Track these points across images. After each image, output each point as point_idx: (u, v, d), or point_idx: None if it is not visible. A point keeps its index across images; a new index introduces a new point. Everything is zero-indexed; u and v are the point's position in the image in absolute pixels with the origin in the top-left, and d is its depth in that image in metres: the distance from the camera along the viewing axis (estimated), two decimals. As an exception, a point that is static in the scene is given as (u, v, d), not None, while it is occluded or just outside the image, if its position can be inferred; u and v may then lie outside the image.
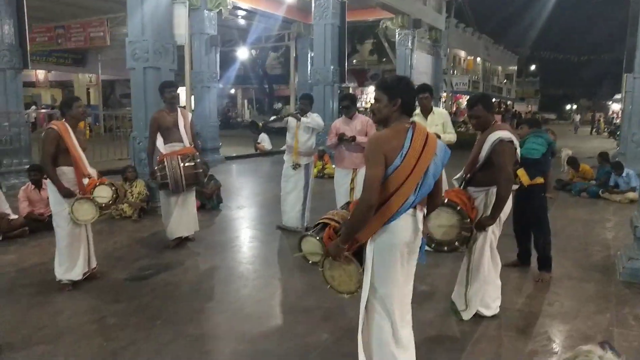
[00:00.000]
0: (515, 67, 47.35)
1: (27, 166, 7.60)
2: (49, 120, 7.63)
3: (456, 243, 3.51)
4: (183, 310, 3.99)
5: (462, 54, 33.71)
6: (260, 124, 6.63)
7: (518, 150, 3.76)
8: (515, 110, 39.71)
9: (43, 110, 15.31)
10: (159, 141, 5.52)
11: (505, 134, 3.62)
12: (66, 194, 4.28)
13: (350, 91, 33.28)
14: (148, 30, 7.07)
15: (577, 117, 37.03)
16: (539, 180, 4.72)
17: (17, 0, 9.01)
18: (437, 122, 5.52)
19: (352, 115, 5.87)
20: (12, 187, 8.54)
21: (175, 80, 7.23)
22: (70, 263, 4.38)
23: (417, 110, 5.52)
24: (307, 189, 6.36)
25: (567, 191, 9.48)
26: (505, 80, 44.82)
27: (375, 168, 2.52)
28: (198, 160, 5.52)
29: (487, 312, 3.83)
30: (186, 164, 5.40)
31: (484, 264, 3.71)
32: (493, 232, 3.73)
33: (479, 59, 36.11)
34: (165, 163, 5.35)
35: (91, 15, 16.00)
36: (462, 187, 3.82)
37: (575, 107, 56.12)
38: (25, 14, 9.15)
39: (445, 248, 3.54)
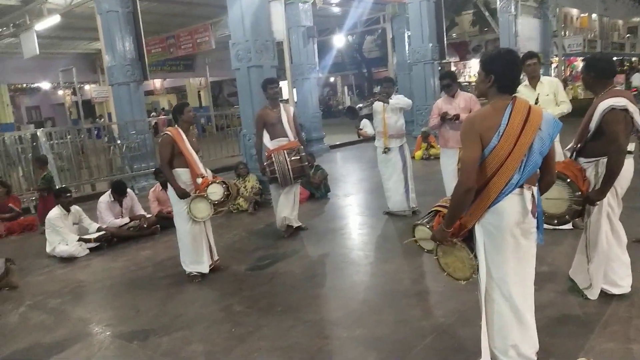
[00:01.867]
0: (640, 19, 42.33)
1: (154, 169, 8.38)
2: (168, 124, 8.32)
3: (567, 217, 3.37)
4: (300, 296, 4.20)
5: (574, 11, 30.85)
6: (358, 109, 6.64)
7: (636, 117, 3.35)
8: (643, 67, 35.58)
9: (162, 117, 16.65)
10: (266, 137, 5.79)
11: (618, 100, 3.30)
12: (182, 194, 4.66)
13: (452, 66, 32.13)
14: (248, 31, 7.39)
15: None
16: None
17: (134, 19, 9.90)
18: (548, 92, 5.16)
19: (454, 94, 5.71)
20: (142, 189, 9.48)
21: (277, 74, 7.54)
22: (196, 257, 4.78)
23: (525, 82, 5.22)
24: (406, 170, 6.32)
25: None
26: (628, 35, 40.27)
27: (470, 149, 2.46)
28: (303, 153, 5.70)
29: (615, 290, 3.57)
30: (292, 158, 5.61)
31: (602, 238, 3.47)
32: (610, 205, 3.46)
33: (594, 15, 32.80)
34: (273, 158, 5.60)
35: (197, 22, 17.04)
36: (572, 157, 3.58)
37: None
38: (142, 29, 10.03)
39: (556, 221, 3.40)
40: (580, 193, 3.30)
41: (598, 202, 3.39)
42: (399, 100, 6.15)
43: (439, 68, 14.12)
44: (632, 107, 3.33)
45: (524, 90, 5.01)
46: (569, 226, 5.02)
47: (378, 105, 6.24)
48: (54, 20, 13.01)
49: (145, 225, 6.58)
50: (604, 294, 3.57)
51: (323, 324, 3.71)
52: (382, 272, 4.69)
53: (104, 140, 10.64)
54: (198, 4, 14.95)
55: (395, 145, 6.28)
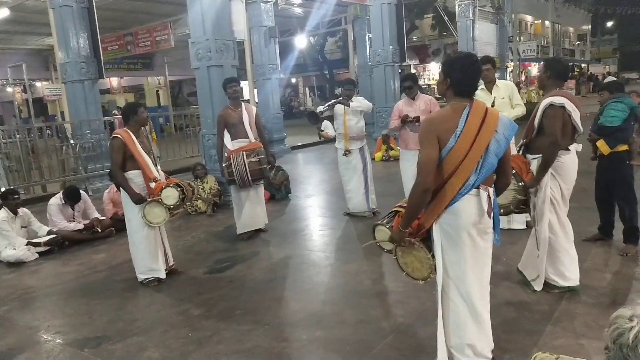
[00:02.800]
0: (589, 26, 44.21)
1: (109, 170, 8.12)
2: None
3: (511, 206, 3.62)
4: (260, 299, 4.15)
5: (529, 18, 31.96)
6: (320, 114, 6.63)
7: (574, 116, 3.62)
8: (591, 73, 37.19)
9: (118, 116, 16.21)
10: (226, 138, 5.71)
11: (557, 98, 3.58)
12: (138, 200, 4.48)
13: (412, 69, 32.65)
14: (208, 30, 7.28)
15: None
16: (622, 147, 4.46)
17: (89, 14, 9.58)
18: (503, 95, 5.30)
19: (414, 96, 5.79)
20: (96, 190, 9.19)
21: (238, 75, 7.45)
22: (151, 264, 4.63)
23: (482, 85, 5.34)
24: (366, 172, 6.37)
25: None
26: (578, 42, 42.01)
27: (428, 150, 2.50)
28: (262, 155, 5.63)
29: (561, 282, 3.74)
30: (251, 160, 5.53)
31: (545, 228, 3.69)
32: (554, 198, 3.67)
33: (547, 22, 34.07)
34: (232, 160, 5.52)
35: (156, 20, 16.67)
36: (520, 152, 3.83)
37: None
38: (97, 26, 9.72)
39: (502, 211, 3.56)
40: (523, 184, 3.55)
41: (544, 194, 3.65)
42: (359, 103, 6.20)
43: (400, 70, 14.30)
44: (569, 106, 3.57)
45: (480, 94, 5.13)
46: (523, 226, 5.20)
47: (339, 107, 6.26)
48: (3, 13, 12.48)
49: (99, 230, 6.36)
50: (555, 290, 3.72)
51: (283, 326, 3.68)
52: (343, 273, 4.69)
53: (56, 140, 10.22)
54: (158, 1, 14.64)
55: (355, 147, 6.31)
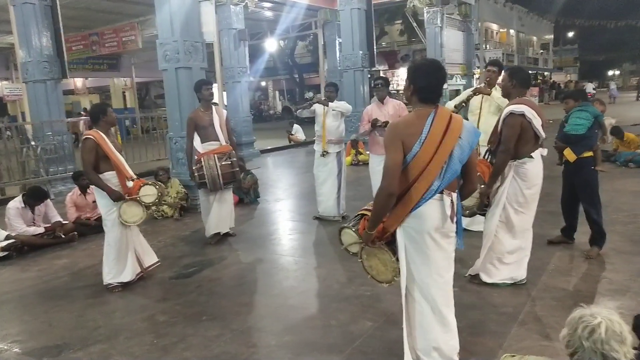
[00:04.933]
0: (552, 36, 45.59)
1: (72, 173, 7.89)
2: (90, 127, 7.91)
3: (475, 208, 3.86)
4: (228, 304, 4.09)
5: (494, 26, 32.74)
6: (294, 109, 6.67)
7: (535, 123, 3.76)
8: (553, 81, 38.34)
9: (83, 117, 15.79)
10: (196, 140, 5.62)
11: (518, 107, 3.73)
12: (117, 197, 4.43)
13: (381, 74, 32.96)
14: (177, 31, 7.18)
15: (613, 85, 33.17)
16: (587, 153, 4.61)
17: (52, 12, 9.31)
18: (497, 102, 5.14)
19: (384, 98, 5.84)
20: (59, 193, 8.90)
21: (207, 77, 7.36)
22: (120, 266, 4.54)
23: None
24: (340, 176, 6.39)
25: (612, 162, 9.13)
26: (541, 51, 43.27)
27: (392, 155, 2.52)
28: (234, 158, 5.58)
29: (486, 279, 4.02)
30: (223, 163, 5.48)
31: (492, 228, 3.92)
32: (514, 203, 3.86)
33: (512, 30, 34.99)
34: (203, 163, 5.44)
35: (123, 20, 16.36)
36: (486, 158, 3.99)
37: (618, 73, 53.59)
38: (61, 24, 9.46)
39: (467, 212, 3.83)
40: (483, 186, 3.76)
41: (499, 198, 3.87)
42: (339, 104, 6.24)
43: (369, 76, 14.41)
44: (530, 113, 3.70)
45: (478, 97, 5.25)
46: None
47: (319, 108, 6.27)
48: (-40, 9, 11.99)
49: (62, 235, 6.16)
50: (521, 296, 3.79)
51: (251, 332, 3.63)
52: (312, 277, 4.67)
53: (16, 141, 9.86)
54: (125, 1, 14.34)
55: (333, 150, 6.33)
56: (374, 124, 5.67)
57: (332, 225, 6.25)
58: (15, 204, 6.09)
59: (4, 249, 5.65)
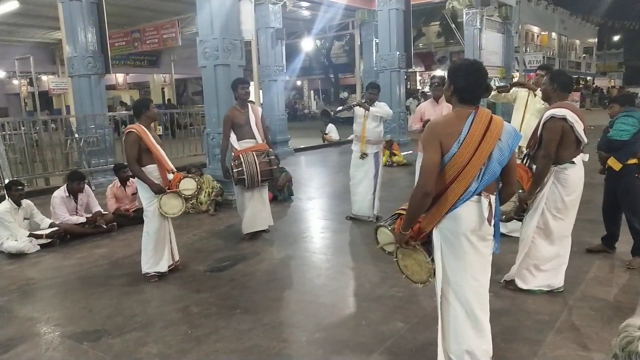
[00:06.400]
0: (595, 40, 44.20)
1: (112, 165, 8.13)
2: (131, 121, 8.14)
3: (512, 213, 3.82)
4: (260, 299, 4.15)
5: (535, 29, 32.01)
6: (332, 113, 6.65)
7: (577, 128, 3.66)
8: (596, 86, 37.18)
9: (124, 112, 16.21)
10: (233, 138, 5.70)
11: (559, 110, 3.64)
12: (158, 189, 4.56)
13: (418, 76, 32.68)
14: (217, 29, 7.29)
15: None
16: (632, 161, 4.48)
17: (98, 10, 9.61)
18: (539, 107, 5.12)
19: (439, 99, 5.81)
20: (99, 185, 9.19)
21: (245, 75, 7.46)
22: (157, 256, 4.66)
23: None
24: (377, 177, 6.38)
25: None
26: (584, 55, 42.03)
27: (430, 154, 2.50)
28: (272, 156, 5.64)
29: (522, 285, 3.95)
30: (262, 160, 5.54)
31: (530, 234, 3.85)
32: (548, 210, 3.78)
33: (553, 33, 34.12)
34: (242, 159, 5.51)
35: (163, 17, 16.73)
36: (524, 162, 3.90)
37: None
38: (106, 21, 9.75)
39: (504, 217, 3.76)
40: (522, 191, 3.71)
41: (537, 205, 3.79)
42: (380, 108, 6.21)
43: (405, 77, 14.30)
44: (572, 117, 3.60)
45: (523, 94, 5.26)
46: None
47: (360, 109, 6.25)
48: (12, 5, 12.54)
49: (103, 225, 6.36)
50: (557, 305, 3.71)
51: (282, 327, 3.67)
52: (344, 275, 4.68)
53: (61, 134, 10.22)
54: (166, -2, 14.68)
55: (371, 151, 6.32)
56: (426, 123, 5.66)
57: (365, 225, 6.25)
58: (60, 193, 6.32)
59: (48, 236, 5.88)
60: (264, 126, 5.92)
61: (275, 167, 5.67)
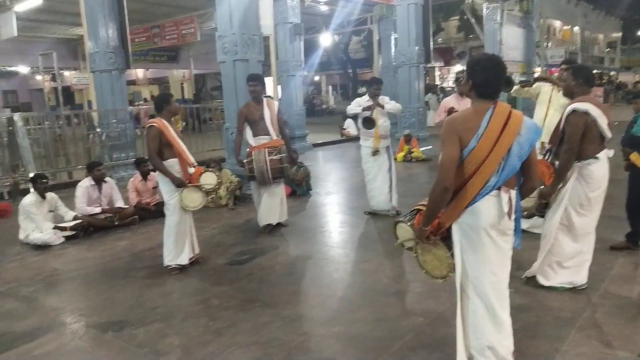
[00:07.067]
0: (620, 34, 43.23)
1: (133, 159, 8.24)
2: (151, 116, 8.24)
3: (534, 210, 3.77)
4: (279, 292, 4.18)
5: (557, 23, 31.43)
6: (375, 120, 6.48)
7: (600, 122, 3.61)
8: (620, 82, 36.42)
9: (144, 107, 16.40)
10: (248, 134, 5.72)
11: (581, 104, 3.58)
12: (179, 183, 4.63)
13: (437, 71, 32.41)
14: (235, 24, 7.33)
15: None
16: None
17: (118, 6, 9.73)
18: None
19: (464, 94, 5.80)
20: (121, 179, 9.30)
21: (262, 70, 7.48)
22: (178, 249, 4.72)
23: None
24: (391, 171, 6.38)
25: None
26: (607, 49, 41.17)
27: (448, 149, 2.50)
28: (284, 154, 5.62)
29: (544, 282, 3.91)
30: (272, 158, 5.52)
31: (552, 230, 3.80)
32: (572, 206, 3.72)
33: (576, 27, 33.45)
34: (253, 157, 5.53)
35: (182, 13, 16.85)
36: (547, 158, 3.84)
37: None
38: (126, 17, 9.86)
39: (525, 213, 3.71)
40: (544, 187, 3.67)
41: (559, 201, 3.74)
42: (392, 106, 6.28)
43: (424, 72, 14.20)
44: (594, 112, 3.54)
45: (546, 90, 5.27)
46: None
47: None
48: (35, 2, 12.72)
49: (116, 223, 6.43)
50: (580, 302, 3.66)
51: (301, 320, 3.69)
52: (362, 270, 4.69)
53: (83, 128, 10.40)
54: (185, -6, 14.78)
55: (383, 145, 6.32)
56: (451, 111, 5.67)
57: (383, 220, 6.24)
58: (85, 182, 6.47)
59: (72, 228, 6.00)
60: (281, 121, 5.92)
61: (286, 165, 5.64)
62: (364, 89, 30.57)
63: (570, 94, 3.84)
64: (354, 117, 6.73)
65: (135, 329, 3.60)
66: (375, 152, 6.28)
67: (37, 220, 5.81)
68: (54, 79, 17.13)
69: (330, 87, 36.87)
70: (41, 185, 5.97)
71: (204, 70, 27.93)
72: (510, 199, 2.56)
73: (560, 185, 3.72)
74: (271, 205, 5.86)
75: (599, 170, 3.69)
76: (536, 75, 17.91)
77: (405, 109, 13.15)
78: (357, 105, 6.34)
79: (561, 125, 3.72)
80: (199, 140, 12.16)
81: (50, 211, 6.11)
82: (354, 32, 24.64)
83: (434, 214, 2.59)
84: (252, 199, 6.19)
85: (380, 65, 18.83)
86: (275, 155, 5.57)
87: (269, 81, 11.14)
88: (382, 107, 6.15)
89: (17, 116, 8.90)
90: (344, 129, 16.11)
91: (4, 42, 14.67)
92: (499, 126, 2.48)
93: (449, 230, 2.66)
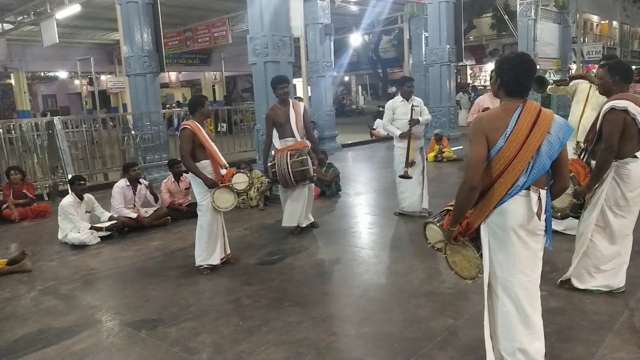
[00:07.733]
0: (662, 28, 41.64)
1: (166, 161, 8.42)
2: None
3: (568, 210, 3.66)
4: (309, 292, 4.20)
5: (595, 18, 30.50)
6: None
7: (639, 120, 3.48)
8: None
9: (177, 109, 16.73)
10: (275, 136, 5.75)
11: (620, 102, 3.46)
12: (212, 184, 4.71)
13: (468, 69, 31.88)
14: (266, 26, 7.40)
15: None
16: None
17: (153, 10, 9.95)
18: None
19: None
20: (154, 180, 9.49)
21: (293, 71, 7.52)
22: (210, 249, 4.80)
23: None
24: (424, 172, 6.32)
25: None
26: (648, 44, 39.68)
27: (476, 148, 2.47)
28: (305, 156, 5.57)
29: (579, 285, 3.81)
30: (294, 160, 5.49)
31: (588, 232, 3.68)
32: (608, 207, 3.61)
33: (615, 22, 32.40)
34: (276, 160, 5.57)
35: (214, 16, 17.12)
36: (582, 157, 3.74)
37: None
38: (160, 22, 10.08)
39: (559, 214, 3.65)
40: (579, 187, 3.58)
41: (596, 201, 3.63)
42: (425, 117, 6.32)
43: (455, 71, 14.01)
44: (634, 109, 3.42)
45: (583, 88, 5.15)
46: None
47: (405, 108, 6.18)
48: (75, 9, 13.15)
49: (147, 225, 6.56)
50: (615, 305, 3.56)
51: (331, 320, 3.71)
52: (392, 271, 4.67)
53: (118, 131, 10.69)
54: (216, -3, 15.00)
55: (417, 146, 6.26)
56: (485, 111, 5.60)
57: (413, 221, 6.19)
58: (121, 182, 6.66)
59: (107, 229, 6.17)
60: (307, 123, 5.90)
61: (307, 167, 5.58)
62: (393, 89, 30.41)
63: (608, 92, 3.70)
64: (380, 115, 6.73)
65: (168, 327, 3.68)
66: (412, 164, 6.20)
67: (75, 220, 6.00)
68: (91, 83, 17.69)
69: (359, 87, 36.76)
70: (79, 186, 6.17)
71: (235, 72, 28.31)
72: (539, 199, 2.52)
73: (597, 185, 3.61)
74: (294, 208, 5.85)
75: (637, 169, 3.57)
76: (572, 72, 17.44)
77: (436, 109, 13.05)
78: (389, 109, 6.31)
79: (598, 124, 3.61)
80: (230, 142, 12.32)
81: (88, 212, 6.30)
82: (384, 31, 24.46)
83: (461, 214, 2.57)
84: (281, 200, 6.23)
85: (410, 65, 18.67)
86: (297, 157, 5.54)
87: (298, 82, 11.21)
88: (418, 122, 6.12)
89: (56, 119, 9.21)
90: (374, 129, 16.05)
91: (45, 49, 15.24)
92: (528, 125, 2.44)
93: (477, 230, 2.64)
